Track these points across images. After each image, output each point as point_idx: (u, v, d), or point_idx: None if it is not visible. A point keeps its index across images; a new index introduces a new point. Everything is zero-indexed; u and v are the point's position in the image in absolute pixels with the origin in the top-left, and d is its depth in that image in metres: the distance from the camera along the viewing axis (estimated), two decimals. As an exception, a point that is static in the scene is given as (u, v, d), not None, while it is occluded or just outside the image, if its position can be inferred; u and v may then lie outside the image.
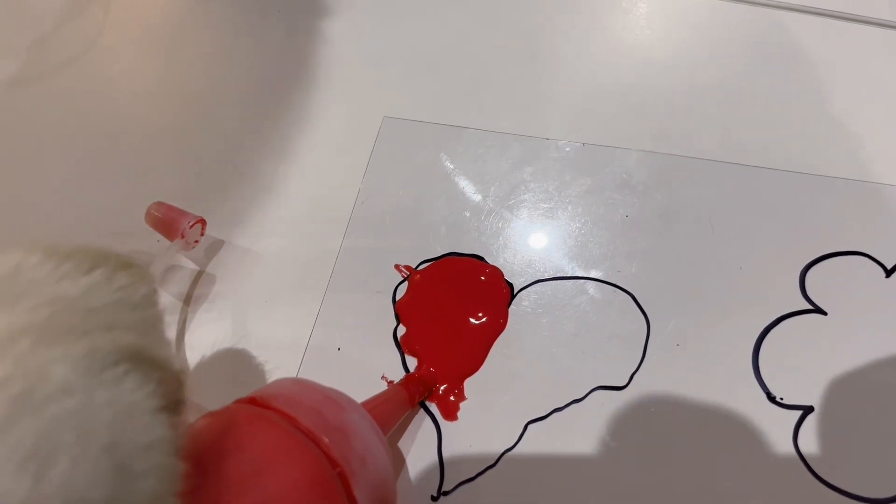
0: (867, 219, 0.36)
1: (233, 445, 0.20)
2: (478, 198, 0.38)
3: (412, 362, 0.34)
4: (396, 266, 0.36)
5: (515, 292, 0.35)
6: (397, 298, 0.35)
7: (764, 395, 0.32)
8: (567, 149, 0.39)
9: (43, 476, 0.13)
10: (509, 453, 0.31)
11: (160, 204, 0.36)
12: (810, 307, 0.34)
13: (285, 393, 0.23)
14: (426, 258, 0.36)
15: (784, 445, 0.31)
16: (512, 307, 0.35)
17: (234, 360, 0.33)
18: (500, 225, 0.37)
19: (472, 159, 0.39)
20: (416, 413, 0.32)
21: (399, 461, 0.31)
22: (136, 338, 0.18)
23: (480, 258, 0.36)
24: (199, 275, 0.36)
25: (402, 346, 0.34)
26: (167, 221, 0.35)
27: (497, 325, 0.34)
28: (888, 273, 0.35)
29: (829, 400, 0.32)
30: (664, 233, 0.36)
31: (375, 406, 0.28)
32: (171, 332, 0.34)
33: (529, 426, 0.32)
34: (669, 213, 0.37)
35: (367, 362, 0.34)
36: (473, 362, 0.34)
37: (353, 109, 0.41)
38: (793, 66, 0.42)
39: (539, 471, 0.31)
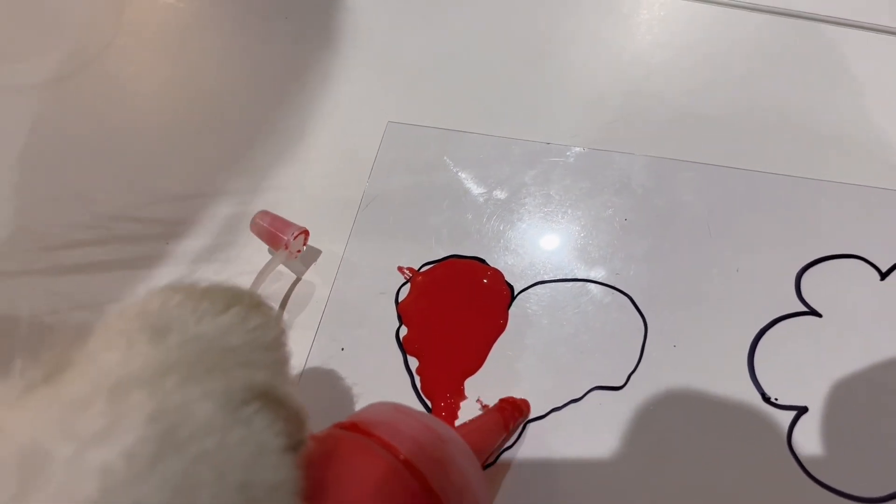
0: (862, 222, 0.37)
1: (335, 474, 0.20)
2: (479, 201, 0.39)
3: (414, 362, 0.34)
4: (399, 268, 0.37)
5: (516, 294, 0.36)
6: (400, 300, 0.36)
7: (759, 396, 0.32)
8: (567, 153, 0.40)
9: None
10: (508, 452, 0.32)
11: (265, 213, 0.36)
12: (805, 309, 0.34)
13: (386, 420, 0.23)
14: (429, 260, 0.37)
15: (778, 445, 0.31)
16: (512, 308, 0.35)
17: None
18: (501, 228, 0.38)
19: (474, 163, 0.40)
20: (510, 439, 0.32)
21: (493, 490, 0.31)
22: (267, 377, 0.18)
23: (482, 260, 0.37)
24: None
25: (404, 346, 0.35)
26: (272, 231, 0.35)
27: (498, 325, 0.35)
28: (883, 276, 0.35)
29: (823, 401, 0.32)
30: (662, 236, 0.37)
31: (470, 432, 0.28)
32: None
33: (528, 426, 0.32)
34: (668, 217, 0.37)
35: (369, 362, 0.34)
36: (474, 362, 0.34)
37: (358, 114, 0.42)
38: (790, 71, 0.42)
39: (538, 469, 0.31)
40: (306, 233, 0.36)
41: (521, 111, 0.42)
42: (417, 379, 0.34)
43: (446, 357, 0.34)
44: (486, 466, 0.31)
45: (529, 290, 0.36)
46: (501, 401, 0.33)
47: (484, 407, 0.33)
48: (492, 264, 0.37)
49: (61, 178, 0.41)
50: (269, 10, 0.47)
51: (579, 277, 0.36)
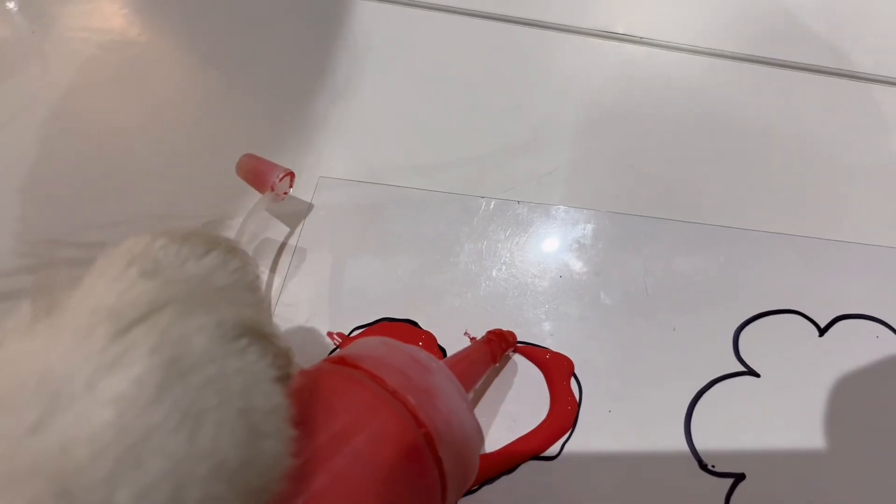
0: (800, 275, 0.36)
1: (324, 405, 0.21)
2: (412, 259, 0.38)
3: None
4: (329, 333, 0.36)
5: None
6: (329, 368, 0.35)
7: (696, 463, 0.32)
8: (503, 207, 0.39)
9: (195, 437, 0.15)
10: (439, 530, 0.31)
11: (252, 156, 0.37)
12: (743, 369, 0.34)
13: (373, 354, 0.24)
14: (360, 324, 0.36)
15: (715, 515, 0.30)
16: (444, 375, 0.34)
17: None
18: (434, 287, 0.37)
19: (407, 219, 0.39)
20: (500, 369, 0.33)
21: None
22: (254, 314, 0.19)
23: (414, 323, 0.36)
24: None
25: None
26: (257, 173, 0.36)
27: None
28: (821, 332, 0.34)
29: (761, 466, 0.31)
30: (598, 293, 0.36)
31: (458, 362, 0.29)
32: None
33: (459, 502, 0.31)
34: (604, 273, 0.37)
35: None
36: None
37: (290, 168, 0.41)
38: (728, 120, 0.42)
39: (468, 548, 0.30)
40: (292, 174, 0.37)
41: (456, 164, 0.41)
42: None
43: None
44: None
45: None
46: (489, 332, 0.33)
47: (472, 339, 0.34)
48: (424, 326, 0.36)
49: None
50: (198, 61, 0.46)
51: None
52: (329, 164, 0.41)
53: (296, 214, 0.39)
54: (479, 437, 0.26)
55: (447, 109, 0.43)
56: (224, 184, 0.40)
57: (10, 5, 0.50)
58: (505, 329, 0.34)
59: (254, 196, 0.37)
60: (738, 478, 0.31)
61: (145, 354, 0.15)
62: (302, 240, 0.38)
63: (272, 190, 0.36)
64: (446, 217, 0.39)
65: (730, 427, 0.32)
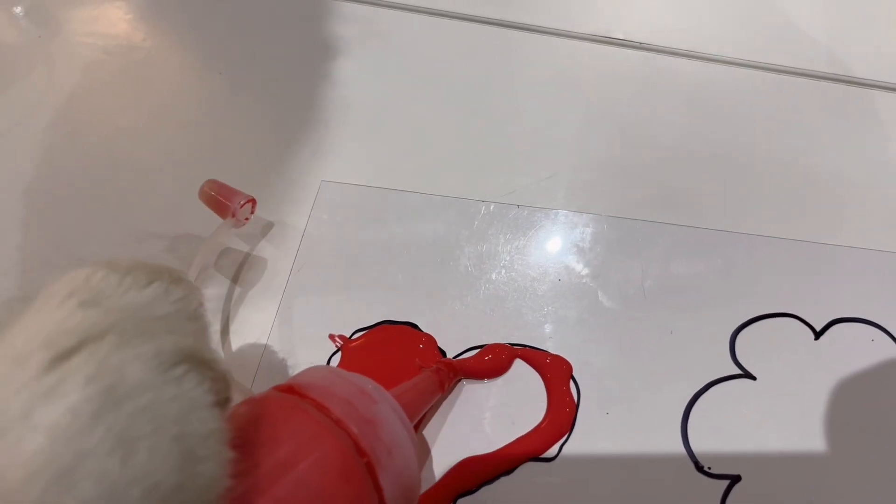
0: (796, 278, 0.36)
1: (269, 432, 0.21)
2: (413, 262, 0.38)
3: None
4: (331, 336, 0.36)
5: (448, 360, 0.35)
6: (330, 369, 0.35)
7: (692, 465, 0.32)
8: (502, 211, 0.39)
9: (128, 462, 0.15)
10: (438, 529, 0.31)
11: (213, 182, 0.37)
12: (740, 372, 0.34)
13: (320, 383, 0.25)
14: (361, 326, 0.36)
15: (711, 516, 0.31)
16: (444, 376, 0.35)
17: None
18: (434, 290, 0.37)
19: (408, 223, 0.39)
20: (445, 398, 0.34)
21: (425, 451, 0.32)
22: (193, 342, 0.20)
23: (414, 325, 0.36)
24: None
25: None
26: (219, 199, 0.37)
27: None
28: (817, 335, 0.35)
29: (756, 469, 0.32)
30: (596, 297, 0.36)
31: (405, 392, 0.29)
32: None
33: (459, 500, 0.32)
34: (602, 276, 0.37)
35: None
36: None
37: (291, 173, 0.41)
38: (726, 125, 0.42)
39: (467, 548, 0.30)
40: (253, 201, 0.37)
41: (455, 168, 0.41)
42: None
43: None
44: None
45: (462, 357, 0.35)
46: (438, 362, 0.34)
47: (421, 368, 0.34)
48: (424, 328, 0.36)
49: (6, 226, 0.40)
50: (202, 66, 0.47)
51: (512, 342, 0.35)
52: (331, 167, 0.41)
53: (253, 236, 0.40)
54: (418, 467, 0.27)
55: (447, 114, 0.44)
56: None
57: (17, 10, 0.50)
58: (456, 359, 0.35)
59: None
60: (734, 479, 0.31)
61: (81, 383, 0.16)
62: (303, 243, 0.39)
63: (233, 216, 0.36)
64: (446, 220, 0.39)
65: (726, 429, 0.33)
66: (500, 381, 0.35)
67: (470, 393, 0.34)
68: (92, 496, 0.15)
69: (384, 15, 0.48)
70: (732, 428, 0.33)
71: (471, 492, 0.32)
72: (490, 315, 0.36)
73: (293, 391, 0.24)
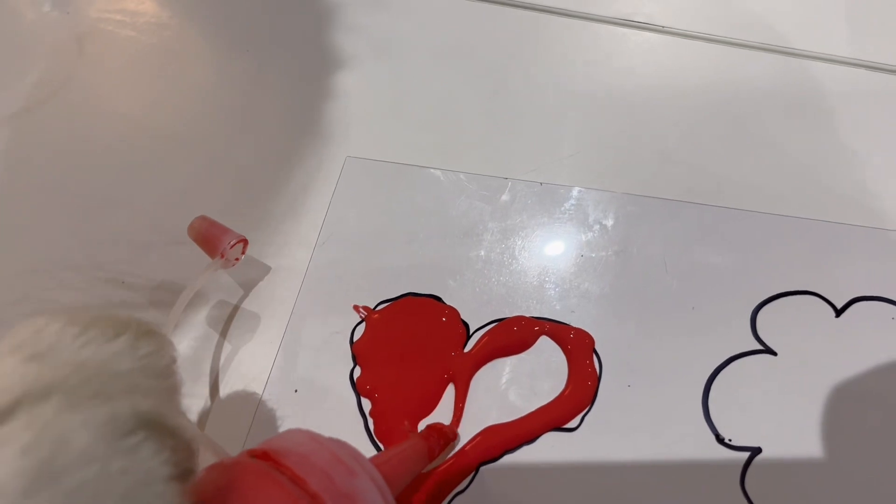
0: (817, 257, 0.37)
1: (239, 503, 0.20)
2: (436, 237, 0.38)
3: (367, 404, 0.34)
4: (355, 307, 0.37)
5: (472, 333, 0.36)
6: (355, 339, 0.36)
7: (713, 437, 0.32)
8: (525, 188, 0.40)
9: None
10: (461, 495, 0.31)
11: (204, 219, 0.36)
12: (761, 347, 0.34)
13: (298, 451, 0.23)
14: (385, 298, 0.37)
15: (731, 487, 0.31)
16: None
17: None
18: (457, 264, 0.37)
19: (432, 199, 0.40)
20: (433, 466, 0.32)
21: None
22: (155, 404, 0.18)
23: (438, 298, 0.37)
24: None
25: (357, 387, 0.34)
26: (209, 238, 0.35)
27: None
28: (838, 313, 0.35)
29: (777, 442, 0.32)
30: (618, 273, 0.37)
31: (388, 459, 0.27)
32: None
33: (482, 468, 0.32)
34: (624, 253, 0.37)
35: (323, 405, 0.34)
36: (428, 404, 0.34)
37: (317, 149, 0.42)
38: (746, 105, 0.43)
39: (489, 514, 0.31)
40: (245, 241, 0.36)
41: (479, 146, 0.42)
42: (371, 421, 0.34)
43: (400, 399, 0.34)
44: (435, 510, 0.31)
45: (485, 329, 0.36)
46: (428, 427, 0.32)
47: (409, 433, 0.33)
48: (448, 301, 0.37)
49: (18, 212, 0.41)
50: (230, 44, 0.47)
51: (535, 315, 0.36)
52: (356, 144, 0.42)
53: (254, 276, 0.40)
54: None
55: (472, 93, 0.44)
56: (255, 161, 0.42)
57: (46, -12, 0.51)
58: (447, 425, 0.33)
59: (275, 186, 0.38)
60: (755, 451, 0.32)
61: (15, 454, 0.14)
62: (329, 217, 0.39)
63: (222, 257, 0.35)
64: (470, 197, 0.40)
65: (747, 403, 0.33)
66: (523, 354, 0.35)
67: (492, 364, 0.35)
68: None
69: (408, -4, 0.48)
70: (753, 402, 0.33)
71: (493, 460, 0.32)
72: (513, 289, 0.37)
73: (268, 457, 0.22)
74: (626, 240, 0.38)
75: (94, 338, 0.18)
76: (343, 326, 0.36)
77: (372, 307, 0.37)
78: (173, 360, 0.21)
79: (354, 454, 0.24)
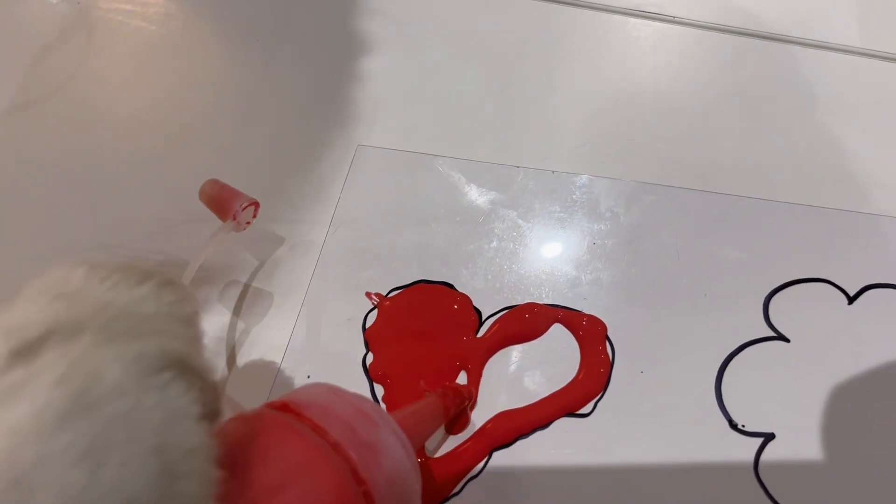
0: (830, 245, 0.37)
1: (260, 453, 0.20)
2: (448, 225, 0.38)
3: (380, 390, 0.34)
4: (367, 293, 0.37)
5: (484, 320, 0.36)
6: (367, 326, 0.36)
7: (726, 423, 0.32)
8: (537, 176, 0.40)
9: (97, 474, 0.14)
10: (474, 481, 0.31)
11: (215, 182, 0.35)
12: (773, 334, 0.34)
13: (318, 402, 0.23)
14: (397, 285, 0.37)
15: (745, 473, 0.31)
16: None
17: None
18: (469, 252, 0.38)
19: (443, 187, 0.40)
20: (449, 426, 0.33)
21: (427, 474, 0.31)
22: (182, 346, 0.18)
23: (450, 285, 0.37)
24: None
25: (370, 374, 0.34)
26: (220, 200, 0.35)
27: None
28: (851, 300, 0.35)
29: (790, 428, 0.32)
30: (631, 260, 0.37)
31: (406, 416, 0.27)
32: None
33: (494, 453, 0.32)
34: (636, 241, 0.37)
35: (335, 390, 0.34)
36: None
37: (328, 137, 0.42)
38: (758, 94, 0.43)
39: (503, 499, 0.31)
40: (256, 204, 0.36)
41: (491, 135, 0.42)
42: (384, 406, 0.34)
43: (412, 385, 0.34)
44: (451, 496, 0.31)
45: (498, 316, 0.36)
46: (443, 387, 0.33)
47: (426, 392, 0.33)
48: (460, 289, 0.37)
49: (27, 203, 0.41)
50: (240, 33, 0.47)
51: (547, 303, 0.36)
52: (367, 132, 0.42)
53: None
54: (420, 498, 0.24)
55: (484, 82, 0.44)
56: (265, 151, 0.42)
57: (56, -22, 0.51)
58: (463, 384, 0.34)
59: (286, 175, 0.38)
60: (769, 437, 0.32)
61: (49, 384, 0.14)
62: (341, 206, 0.39)
63: (234, 219, 0.35)
64: (482, 185, 0.40)
65: (760, 389, 0.33)
66: (536, 341, 0.35)
67: (505, 350, 0.35)
68: None
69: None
70: (766, 388, 0.33)
71: (506, 445, 0.32)
72: (525, 276, 0.37)
73: (288, 409, 0.22)
74: (638, 227, 0.38)
75: (119, 282, 0.19)
76: (356, 313, 0.36)
77: (384, 294, 0.37)
78: (195, 311, 0.21)
79: (375, 407, 0.24)
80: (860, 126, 0.41)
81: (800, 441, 0.32)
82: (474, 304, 0.36)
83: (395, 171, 0.41)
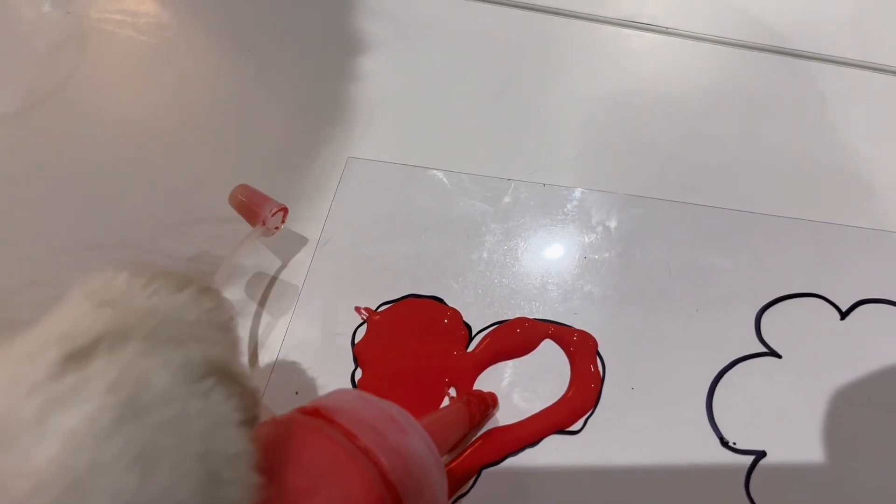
0: (822, 260, 0.36)
1: (293, 458, 0.20)
2: (438, 238, 0.38)
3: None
4: (356, 308, 0.36)
5: (474, 335, 0.35)
6: (356, 341, 0.35)
7: (717, 440, 0.32)
8: (528, 190, 0.40)
9: (147, 479, 0.14)
10: (463, 499, 0.31)
11: (245, 187, 0.36)
12: (765, 350, 0.34)
13: (348, 408, 0.23)
14: (386, 300, 0.37)
15: (736, 490, 0.31)
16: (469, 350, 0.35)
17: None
18: (459, 266, 0.37)
19: (434, 200, 0.40)
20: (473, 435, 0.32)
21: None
22: (223, 353, 0.19)
23: (440, 300, 0.36)
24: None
25: (359, 389, 0.34)
26: (250, 205, 0.35)
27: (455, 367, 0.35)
28: (843, 315, 0.35)
29: (782, 445, 0.32)
30: (622, 274, 0.37)
31: (431, 423, 0.27)
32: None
33: (483, 471, 0.32)
34: (628, 255, 0.37)
35: (323, 406, 0.34)
36: (429, 406, 0.34)
37: (318, 150, 0.42)
38: (750, 106, 0.42)
39: (492, 517, 0.31)
40: (285, 210, 0.36)
41: (482, 147, 0.41)
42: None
43: (401, 401, 0.34)
44: None
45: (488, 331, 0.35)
46: (468, 393, 0.33)
47: (451, 399, 0.33)
48: (450, 303, 0.36)
49: (21, 209, 0.41)
50: (230, 44, 0.47)
51: (538, 318, 0.36)
52: (358, 145, 0.42)
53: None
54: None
55: (474, 94, 0.44)
56: (253, 164, 0.41)
57: (46, -12, 0.51)
58: (486, 391, 0.34)
59: (275, 185, 0.38)
60: (760, 455, 0.31)
61: (102, 390, 0.15)
62: (330, 218, 0.39)
63: (263, 224, 0.35)
64: (472, 198, 0.39)
65: (751, 406, 0.33)
66: (525, 355, 0.35)
67: (495, 366, 0.34)
68: None
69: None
70: (758, 405, 0.33)
71: (496, 463, 0.32)
72: (515, 291, 0.36)
73: (319, 414, 0.22)
74: (629, 241, 0.38)
75: (160, 289, 0.19)
76: (345, 328, 0.36)
77: (374, 308, 0.36)
78: (232, 318, 0.21)
79: (403, 413, 0.24)
80: (853, 140, 0.41)
81: (791, 459, 0.31)
82: (464, 318, 0.36)
83: (385, 183, 0.40)
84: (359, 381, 0.34)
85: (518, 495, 0.31)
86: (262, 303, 0.37)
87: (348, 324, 0.36)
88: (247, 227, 0.36)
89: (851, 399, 0.33)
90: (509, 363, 0.34)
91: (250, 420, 0.18)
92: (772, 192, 0.39)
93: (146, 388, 0.15)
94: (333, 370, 0.35)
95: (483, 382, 0.34)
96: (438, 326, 0.36)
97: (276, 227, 0.37)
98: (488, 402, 0.32)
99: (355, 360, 0.35)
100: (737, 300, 0.36)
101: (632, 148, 0.41)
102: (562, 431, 0.33)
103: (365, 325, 0.36)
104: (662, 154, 0.41)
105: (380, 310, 0.36)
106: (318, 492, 0.19)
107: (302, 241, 0.39)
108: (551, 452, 0.32)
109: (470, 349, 0.35)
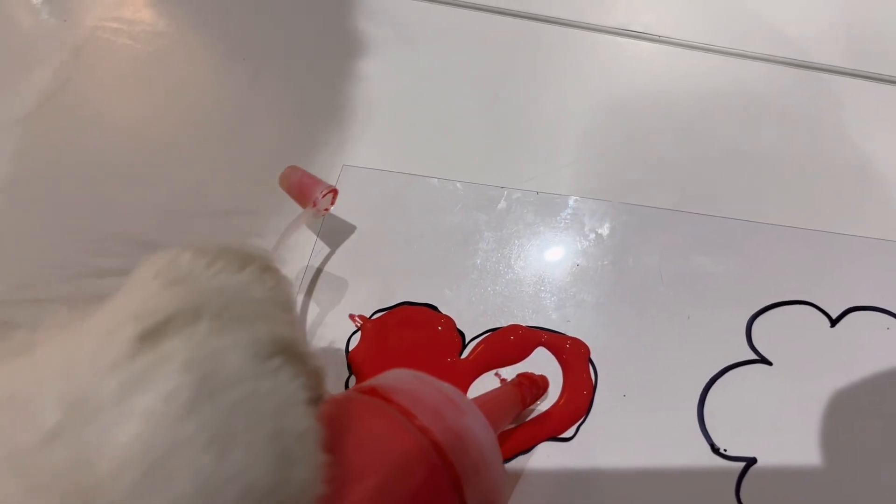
0: (813, 267, 0.37)
1: (351, 437, 0.20)
2: (433, 246, 0.38)
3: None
4: (351, 315, 0.37)
5: (467, 342, 0.36)
6: (350, 348, 0.36)
7: (708, 447, 0.32)
8: (521, 197, 0.40)
9: (223, 459, 0.14)
10: (456, 506, 0.31)
11: (295, 168, 0.36)
12: (756, 357, 0.34)
13: (406, 387, 0.23)
14: (381, 307, 0.37)
15: (727, 498, 0.31)
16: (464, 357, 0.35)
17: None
18: (453, 273, 0.38)
19: (428, 207, 0.40)
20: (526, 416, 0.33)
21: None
22: (289, 332, 0.19)
23: (434, 307, 0.37)
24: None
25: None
26: (301, 187, 0.36)
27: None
28: (833, 323, 0.35)
29: (772, 452, 0.32)
30: (614, 282, 0.37)
31: (483, 403, 0.27)
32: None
33: (477, 478, 0.32)
34: (620, 262, 0.37)
35: (318, 414, 0.34)
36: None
37: (312, 157, 0.42)
38: (741, 114, 0.43)
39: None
40: (335, 192, 0.37)
41: (477, 155, 0.42)
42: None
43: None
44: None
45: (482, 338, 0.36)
46: (519, 375, 0.33)
47: (502, 381, 0.34)
48: (444, 310, 0.37)
49: (18, 217, 0.41)
50: (226, 52, 0.47)
51: (531, 325, 0.36)
52: (352, 152, 0.42)
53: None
54: (506, 485, 0.24)
55: (468, 102, 0.44)
56: (248, 173, 0.42)
57: (43, -5, 0.51)
58: (537, 374, 0.34)
59: (271, 192, 0.38)
60: (750, 462, 0.32)
61: (178, 369, 0.15)
62: (325, 225, 0.39)
63: (314, 206, 0.36)
64: (466, 206, 0.40)
65: (742, 413, 0.33)
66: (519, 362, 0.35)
67: (488, 373, 0.35)
68: (187, 492, 0.13)
69: (407, 4, 0.48)
70: (748, 412, 0.33)
71: (489, 470, 0.32)
72: (509, 298, 0.37)
73: (376, 393, 0.22)
74: (622, 249, 0.38)
75: (224, 268, 0.19)
76: (339, 335, 0.36)
77: (368, 316, 0.37)
78: (292, 296, 0.22)
79: (459, 393, 0.24)
80: (843, 148, 0.41)
81: (781, 465, 0.32)
82: (458, 325, 0.36)
83: (379, 191, 0.41)
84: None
85: (511, 502, 0.31)
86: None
87: (342, 331, 0.36)
88: (244, 228, 0.36)
89: (842, 406, 0.33)
90: (503, 371, 0.35)
91: (316, 399, 0.19)
92: (763, 200, 0.39)
93: (220, 368, 0.15)
94: (328, 377, 0.35)
95: (476, 390, 0.34)
96: (432, 334, 0.36)
97: (326, 209, 0.37)
98: (539, 385, 0.33)
99: (349, 367, 0.35)
100: (728, 308, 0.36)
101: (625, 156, 0.41)
102: (554, 438, 0.33)
103: (359, 333, 0.36)
104: (655, 162, 0.41)
105: (374, 317, 0.37)
106: (377, 470, 0.19)
107: (296, 248, 0.39)
108: (544, 459, 0.32)
109: (463, 356, 0.35)
